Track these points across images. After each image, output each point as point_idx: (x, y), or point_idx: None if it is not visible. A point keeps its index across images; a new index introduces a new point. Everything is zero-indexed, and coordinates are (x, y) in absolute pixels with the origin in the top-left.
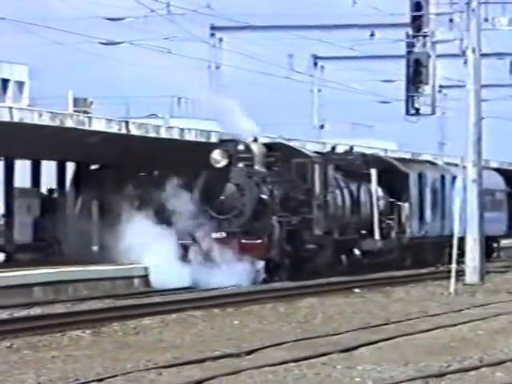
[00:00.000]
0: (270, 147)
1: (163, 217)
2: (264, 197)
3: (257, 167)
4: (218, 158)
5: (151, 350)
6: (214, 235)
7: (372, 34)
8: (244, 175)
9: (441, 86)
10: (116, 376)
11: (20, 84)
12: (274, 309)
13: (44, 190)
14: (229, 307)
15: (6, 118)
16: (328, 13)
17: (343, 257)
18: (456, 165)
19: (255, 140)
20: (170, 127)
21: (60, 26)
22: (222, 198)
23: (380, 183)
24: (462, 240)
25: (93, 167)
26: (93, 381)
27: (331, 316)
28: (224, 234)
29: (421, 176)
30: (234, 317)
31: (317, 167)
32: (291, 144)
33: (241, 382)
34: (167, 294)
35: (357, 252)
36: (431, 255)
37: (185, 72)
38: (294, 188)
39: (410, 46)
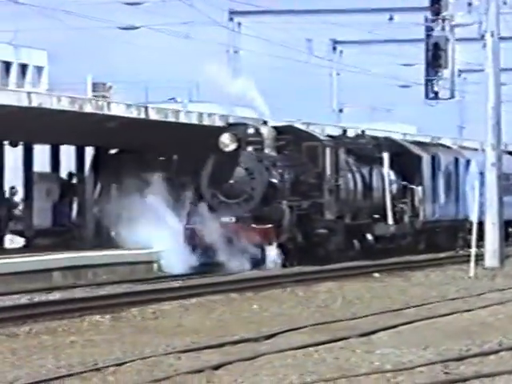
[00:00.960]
0: (280, 131)
1: (176, 201)
2: (274, 181)
3: (267, 151)
4: (227, 141)
5: (170, 335)
6: (223, 219)
7: (391, 18)
8: (254, 159)
9: (460, 70)
10: (135, 361)
11: (39, 69)
12: (292, 293)
13: (63, 174)
14: (248, 292)
15: (25, 103)
16: None
17: (355, 242)
18: (472, 149)
19: (265, 123)
20: (189, 112)
21: (79, 11)
22: (232, 182)
23: (392, 166)
24: (478, 224)
25: (112, 152)
26: (112, 365)
27: (350, 300)
28: (233, 219)
29: (434, 159)
30: (252, 301)
31: (328, 151)
32: (301, 127)
33: (260, 366)
34: (186, 278)
35: (369, 237)
36: (445, 239)
37: (203, 56)
38: (305, 172)
39: (429, 29)
